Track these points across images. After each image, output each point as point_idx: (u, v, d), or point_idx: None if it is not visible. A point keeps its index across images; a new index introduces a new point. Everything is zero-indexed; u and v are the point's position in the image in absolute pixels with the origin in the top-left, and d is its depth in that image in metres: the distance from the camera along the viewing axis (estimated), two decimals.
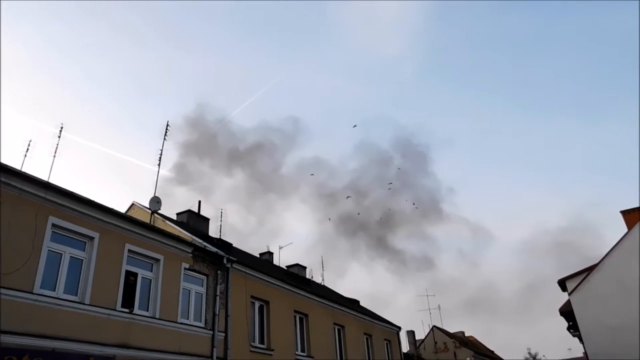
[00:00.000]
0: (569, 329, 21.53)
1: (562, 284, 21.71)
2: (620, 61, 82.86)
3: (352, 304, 24.66)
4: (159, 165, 16.54)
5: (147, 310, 12.49)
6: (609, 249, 20.83)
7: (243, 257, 18.43)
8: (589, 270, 20.72)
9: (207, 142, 37.12)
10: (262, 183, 42.78)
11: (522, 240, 78.56)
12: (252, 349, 15.52)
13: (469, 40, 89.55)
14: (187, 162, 34.58)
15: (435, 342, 37.17)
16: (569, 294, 20.89)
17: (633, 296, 19.09)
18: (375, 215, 44.62)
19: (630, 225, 20.49)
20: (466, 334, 46.89)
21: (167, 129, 16.69)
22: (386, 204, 46.32)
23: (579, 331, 20.17)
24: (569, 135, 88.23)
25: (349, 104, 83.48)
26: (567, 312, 21.09)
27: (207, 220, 20.16)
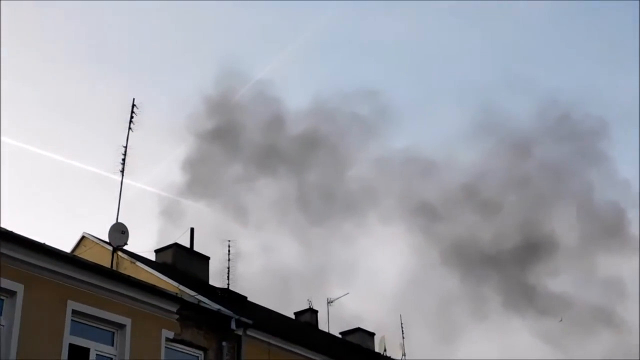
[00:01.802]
0: None
1: None
2: None
3: None
4: (122, 171, 16.50)
5: None
6: None
7: (265, 319, 18.64)
8: None
9: (234, 134, 37.53)
10: (318, 195, 42.05)
11: None
12: None
13: None
14: (202, 166, 34.98)
15: None
16: None
17: None
18: (510, 241, 42.67)
19: None
20: None
21: (132, 111, 16.78)
22: (533, 220, 44.07)
23: None
24: None
25: (447, 61, 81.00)
26: None
27: (205, 259, 20.39)
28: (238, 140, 37.76)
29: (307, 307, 25.85)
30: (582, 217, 49.43)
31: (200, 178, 33.63)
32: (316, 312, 25.87)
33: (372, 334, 26.70)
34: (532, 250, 41.95)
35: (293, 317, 25.29)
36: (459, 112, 76.89)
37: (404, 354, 27.13)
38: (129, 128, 16.77)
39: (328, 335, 24.80)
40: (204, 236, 21.68)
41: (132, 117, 16.87)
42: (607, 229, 45.24)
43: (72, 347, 12.18)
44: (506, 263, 42.80)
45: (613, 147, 79.75)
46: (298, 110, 49.03)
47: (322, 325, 25.74)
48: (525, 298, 43.40)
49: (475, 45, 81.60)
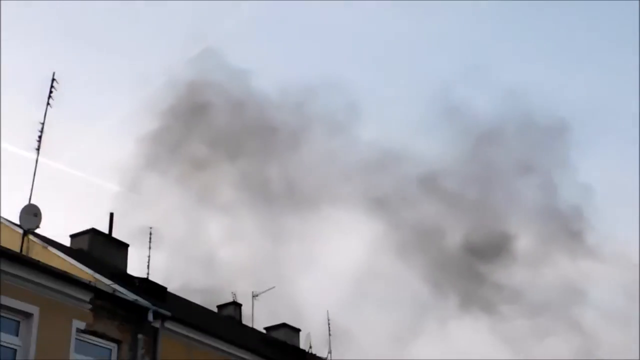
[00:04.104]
0: None
1: None
2: None
3: None
4: (37, 149, 16.13)
5: None
6: None
7: (187, 311, 18.63)
8: None
9: (194, 116, 38.47)
10: (280, 185, 42.70)
11: None
12: None
13: None
14: (161, 146, 35.88)
15: None
16: None
17: None
18: (471, 236, 42.89)
19: None
20: None
21: (52, 86, 16.47)
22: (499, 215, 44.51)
23: None
24: None
25: (407, 53, 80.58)
26: None
27: (124, 246, 20.25)
28: (199, 122, 38.58)
29: (230, 300, 25.80)
30: (542, 216, 50.27)
31: (153, 158, 34.39)
32: (240, 305, 25.76)
33: (297, 330, 26.71)
34: (492, 246, 42.20)
35: (216, 310, 25.22)
36: (421, 104, 77.08)
37: (329, 351, 27.21)
38: (47, 103, 16.53)
39: (252, 330, 24.71)
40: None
41: (51, 92, 16.62)
42: (567, 230, 46.05)
43: None
44: (466, 259, 43.14)
45: (575, 149, 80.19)
46: (262, 99, 49.63)
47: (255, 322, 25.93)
48: (484, 297, 43.74)
49: (435, 37, 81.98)
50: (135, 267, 20.32)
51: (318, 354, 26.78)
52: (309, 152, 50.60)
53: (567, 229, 48.94)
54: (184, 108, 37.96)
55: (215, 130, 40.00)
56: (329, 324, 27.34)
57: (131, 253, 20.66)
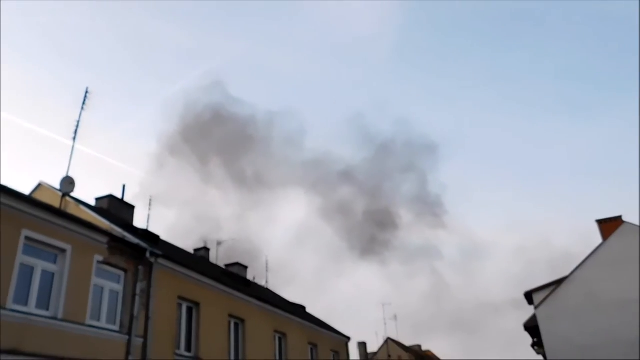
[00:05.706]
0: (533, 345, 21.64)
1: (529, 296, 21.78)
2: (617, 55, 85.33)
3: (297, 310, 24.29)
4: (74, 139, 15.64)
5: (47, 310, 11.69)
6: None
7: (172, 252, 17.93)
8: (558, 283, 20.85)
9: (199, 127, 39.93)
10: (251, 176, 44.57)
11: (514, 248, 79.68)
12: (177, 357, 15.14)
13: (448, 24, 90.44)
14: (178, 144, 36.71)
15: (389, 356, 37.40)
16: (535, 308, 20.99)
17: (604, 312, 19.24)
18: (371, 209, 45.80)
19: (606, 235, 20.74)
20: (423, 348, 47.48)
21: (85, 96, 15.88)
22: (386, 199, 48.11)
23: (543, 348, 20.27)
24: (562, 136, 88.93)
25: (330, 88, 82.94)
26: (532, 327, 21.19)
27: (132, 207, 19.66)
28: (203, 130, 41.20)
29: (202, 245, 25.39)
30: (416, 201, 54.50)
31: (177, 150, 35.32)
32: (208, 249, 25.39)
33: (246, 267, 26.71)
34: (383, 218, 44.69)
35: (192, 252, 24.71)
36: (343, 125, 79.82)
37: (266, 281, 27.62)
38: (82, 108, 15.95)
39: (215, 266, 24.41)
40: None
41: (84, 100, 16.03)
42: (430, 211, 49.81)
43: (22, 265, 11.29)
44: (366, 225, 45.82)
45: (440, 160, 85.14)
46: (245, 118, 52.40)
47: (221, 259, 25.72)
48: (376, 250, 46.77)
49: (354, 80, 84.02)
50: (139, 221, 20.09)
51: (259, 283, 27.06)
52: (272, 154, 53.57)
53: (431, 210, 53.10)
54: (193, 120, 39.37)
55: (213, 135, 40.87)
56: (267, 264, 28.29)
57: (137, 212, 20.59)
